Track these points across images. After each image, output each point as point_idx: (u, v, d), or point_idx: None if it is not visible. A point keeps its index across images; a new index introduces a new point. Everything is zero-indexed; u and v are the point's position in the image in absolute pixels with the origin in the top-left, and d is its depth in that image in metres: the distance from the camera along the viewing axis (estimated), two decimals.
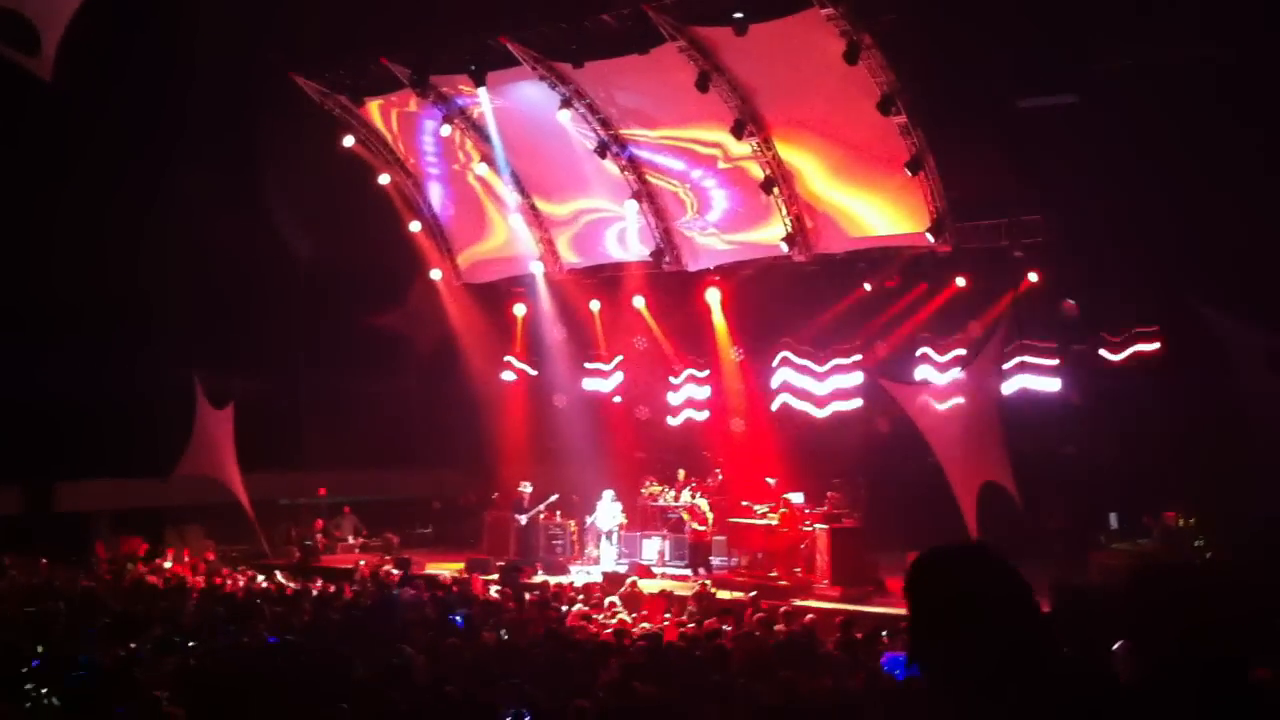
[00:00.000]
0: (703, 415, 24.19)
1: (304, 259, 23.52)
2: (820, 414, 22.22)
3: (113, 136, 20.62)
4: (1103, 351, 19.57)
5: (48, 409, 21.35)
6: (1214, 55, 16.06)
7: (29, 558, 19.74)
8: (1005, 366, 19.41)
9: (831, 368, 22.25)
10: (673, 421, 24.48)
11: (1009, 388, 19.54)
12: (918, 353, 21.10)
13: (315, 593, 17.62)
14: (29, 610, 14.82)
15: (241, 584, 18.95)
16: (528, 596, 17.06)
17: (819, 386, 22.39)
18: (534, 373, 26.15)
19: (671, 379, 24.53)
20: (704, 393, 24.24)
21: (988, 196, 19.70)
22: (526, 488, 22.50)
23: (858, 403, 21.86)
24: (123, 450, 21.67)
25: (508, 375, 26.26)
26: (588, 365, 25.53)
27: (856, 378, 21.92)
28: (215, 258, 22.21)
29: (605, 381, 25.35)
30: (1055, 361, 19.84)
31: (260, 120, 21.94)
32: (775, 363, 22.94)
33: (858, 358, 21.96)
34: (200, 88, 20.18)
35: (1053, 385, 19.84)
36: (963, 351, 20.35)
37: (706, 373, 24.19)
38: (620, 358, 25.28)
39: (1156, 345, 19.06)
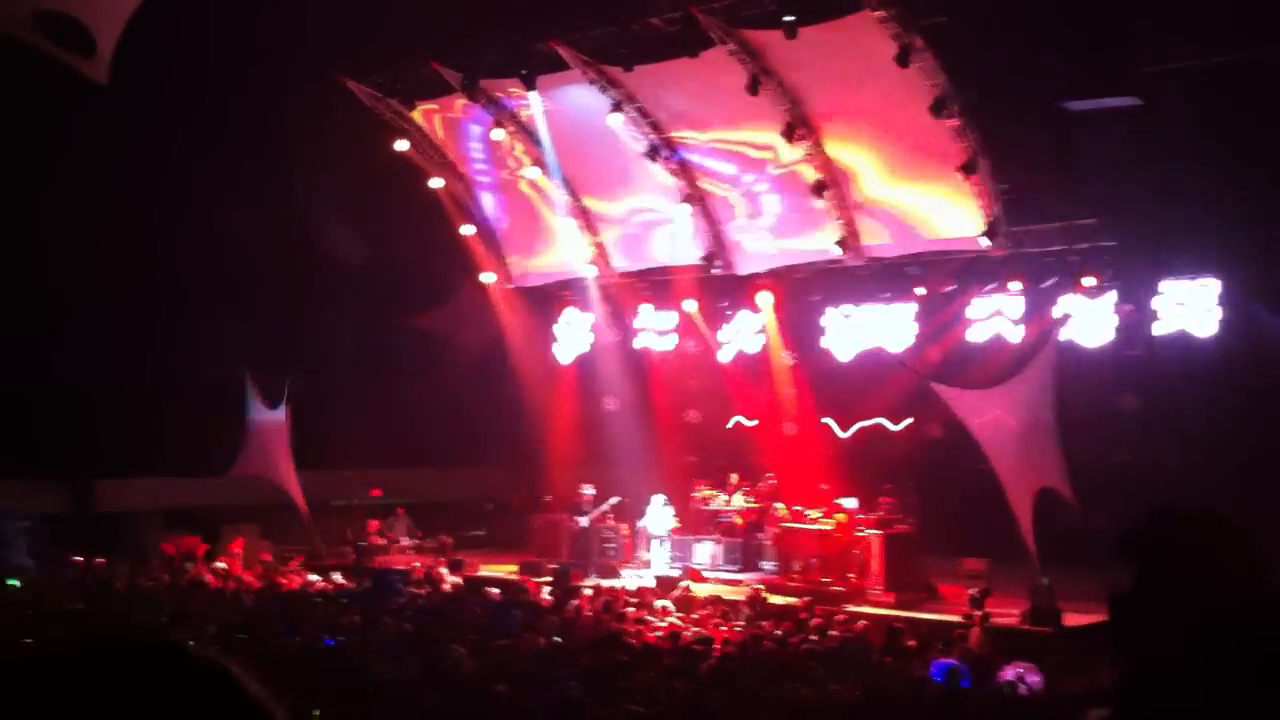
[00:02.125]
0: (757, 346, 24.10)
1: (356, 260, 23.67)
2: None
3: (166, 136, 20.86)
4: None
5: (98, 407, 21.60)
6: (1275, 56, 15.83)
7: (87, 556, 19.98)
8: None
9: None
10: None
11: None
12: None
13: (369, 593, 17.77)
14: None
15: (298, 584, 19.14)
16: (580, 599, 17.09)
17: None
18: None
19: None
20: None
21: (1043, 199, 19.55)
22: (588, 490, 22.50)
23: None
24: (176, 449, 21.91)
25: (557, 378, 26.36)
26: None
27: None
28: (267, 258, 22.39)
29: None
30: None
31: (312, 122, 22.10)
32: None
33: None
34: (253, 89, 20.38)
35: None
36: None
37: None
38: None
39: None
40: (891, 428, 22.17)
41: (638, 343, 25.49)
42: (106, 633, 1.59)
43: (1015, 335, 20.62)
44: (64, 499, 22.79)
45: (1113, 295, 19.66)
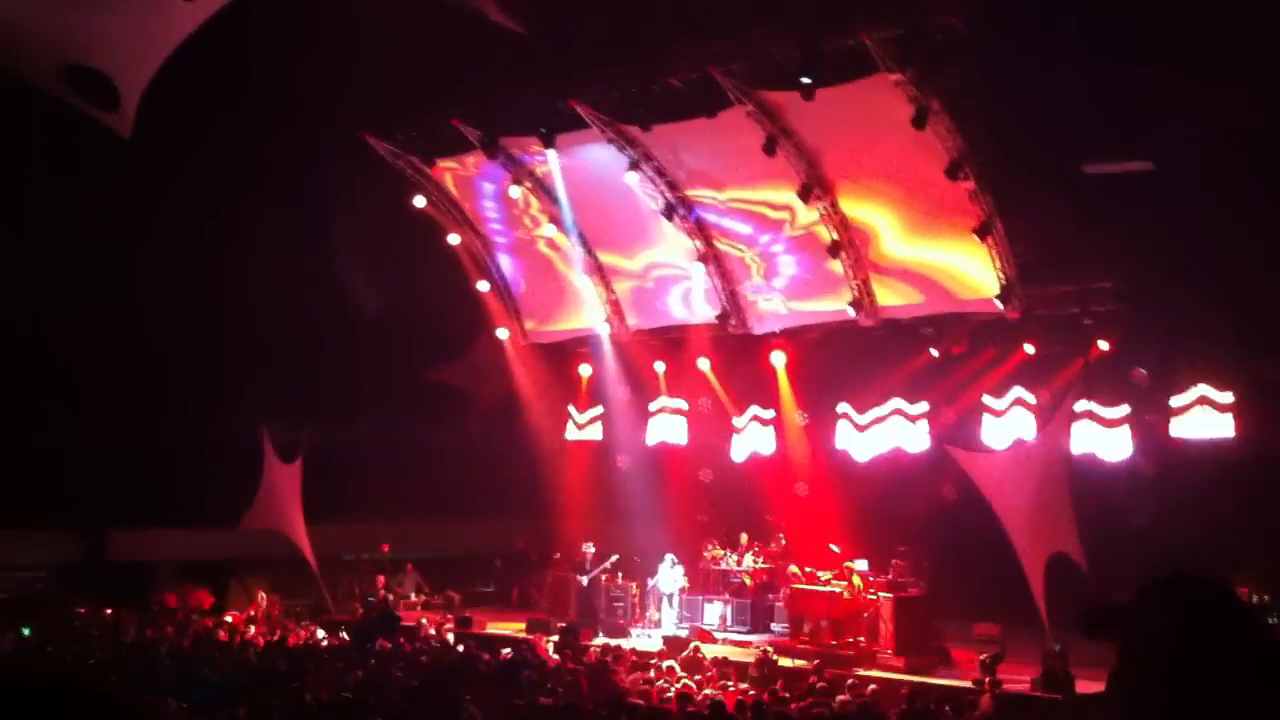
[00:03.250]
0: (767, 450, 24.04)
1: (370, 312, 23.74)
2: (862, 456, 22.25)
3: (182, 189, 21.03)
4: (1174, 422, 19.26)
5: (110, 456, 21.62)
6: None
7: (96, 606, 19.95)
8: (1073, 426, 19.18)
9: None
10: (737, 459, 24.39)
11: (1077, 448, 19.30)
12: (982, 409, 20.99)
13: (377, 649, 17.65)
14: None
15: (303, 638, 19.05)
16: (587, 659, 16.96)
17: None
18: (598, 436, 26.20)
19: (735, 421, 24.42)
20: (768, 437, 24.09)
21: (1057, 262, 19.52)
22: (589, 548, 22.43)
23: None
24: (186, 500, 21.90)
25: (571, 434, 26.34)
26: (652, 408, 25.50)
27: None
28: (281, 309, 22.48)
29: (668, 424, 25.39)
30: (1122, 424, 19.58)
31: (330, 176, 22.27)
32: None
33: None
34: (270, 142, 20.55)
35: (1121, 450, 19.59)
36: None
37: (771, 413, 24.02)
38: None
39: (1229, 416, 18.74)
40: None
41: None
42: (26, 679, 1.61)
43: (1029, 399, 20.56)
44: (76, 548, 22.79)
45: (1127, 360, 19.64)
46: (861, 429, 22.60)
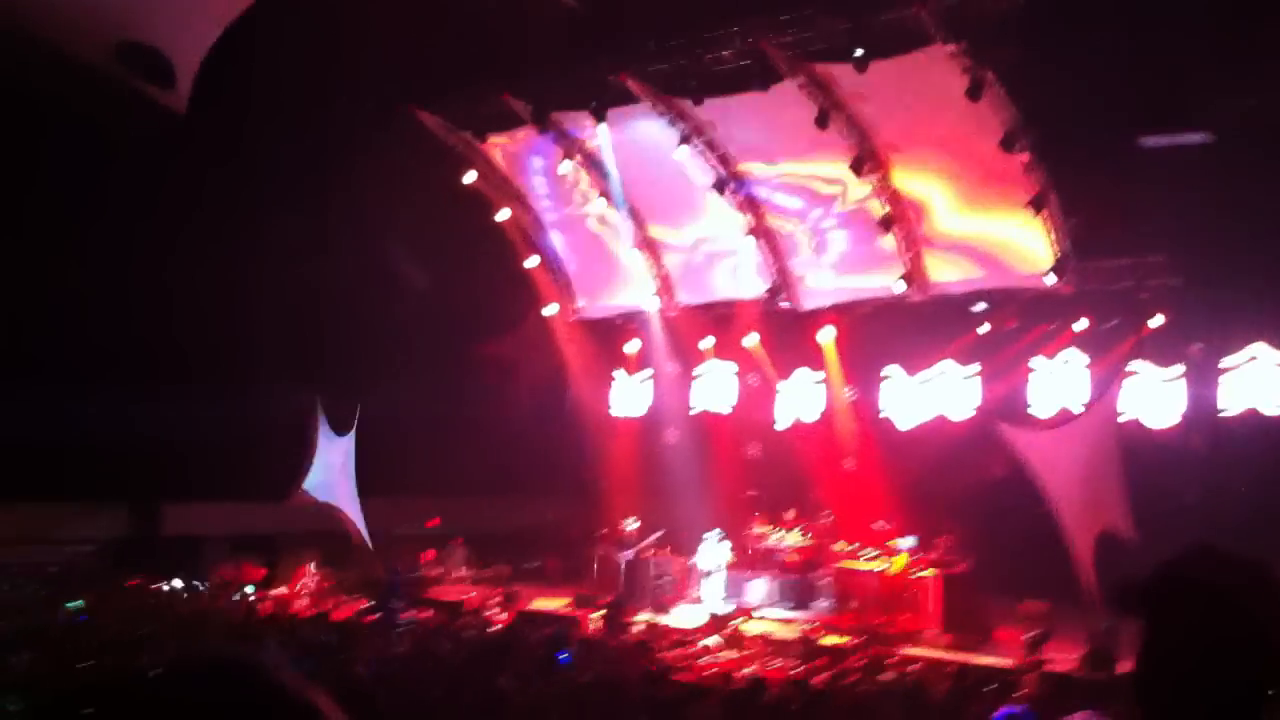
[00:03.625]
0: (811, 417, 24.03)
1: (421, 289, 23.78)
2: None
3: (237, 168, 21.13)
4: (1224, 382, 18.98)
5: (160, 430, 21.80)
6: None
7: (148, 580, 20.19)
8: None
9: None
10: (781, 426, 24.40)
11: (1127, 415, 19.09)
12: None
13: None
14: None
15: (352, 611, 19.19)
16: (630, 635, 16.96)
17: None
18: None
19: (780, 385, 24.45)
20: (815, 400, 24.08)
21: (1112, 236, 19.22)
22: (633, 524, 22.40)
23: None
24: (242, 474, 22.07)
25: (618, 410, 26.37)
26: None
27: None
28: (333, 285, 22.58)
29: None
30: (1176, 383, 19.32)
31: (383, 153, 22.30)
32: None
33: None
34: (320, 120, 20.60)
35: (1173, 416, 19.33)
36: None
37: (821, 374, 24.01)
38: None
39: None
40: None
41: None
42: (199, 657, 1.63)
43: (1081, 374, 20.30)
44: (126, 522, 23.05)
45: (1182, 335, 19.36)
46: (907, 392, 22.56)
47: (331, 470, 22.79)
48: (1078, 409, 18.88)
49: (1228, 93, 16.46)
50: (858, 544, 20.53)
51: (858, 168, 20.25)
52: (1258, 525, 16.76)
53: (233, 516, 23.36)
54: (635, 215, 24.32)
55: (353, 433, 22.65)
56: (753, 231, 22.85)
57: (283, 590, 20.87)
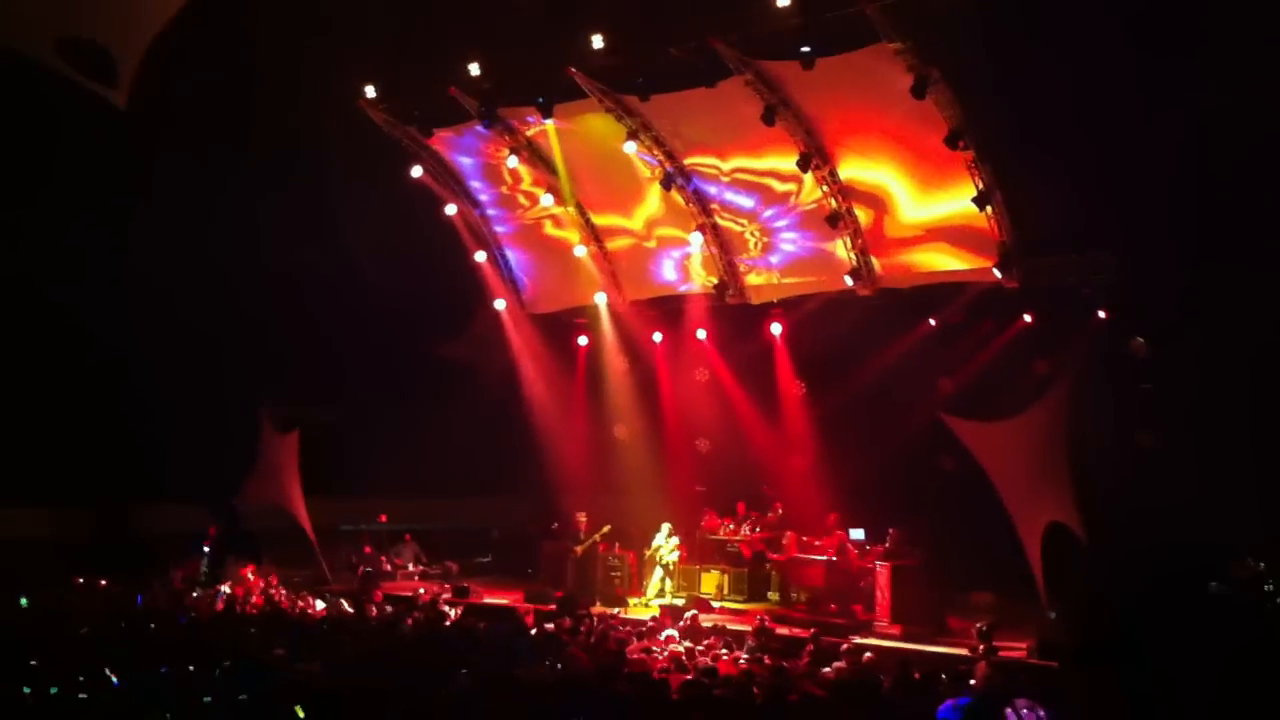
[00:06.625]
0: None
1: (368, 286, 23.65)
2: None
3: (180, 163, 20.93)
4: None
5: (116, 433, 21.61)
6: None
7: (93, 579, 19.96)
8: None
9: None
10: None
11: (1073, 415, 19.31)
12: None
13: (374, 620, 17.65)
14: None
15: (300, 609, 19.04)
16: (584, 629, 16.96)
17: None
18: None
19: None
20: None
21: (1056, 232, 19.46)
22: (583, 518, 22.43)
23: None
24: (188, 476, 21.88)
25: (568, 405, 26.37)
26: None
27: None
28: (281, 284, 22.41)
29: None
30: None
31: (328, 148, 22.13)
32: None
33: None
34: (266, 114, 20.44)
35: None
36: None
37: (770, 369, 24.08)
38: None
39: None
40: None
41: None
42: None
43: (1028, 368, 20.53)
44: (77, 523, 22.82)
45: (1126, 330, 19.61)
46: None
47: (277, 470, 22.69)
48: (1025, 403, 19.08)
49: (1174, 89, 16.73)
50: (808, 537, 20.66)
51: (804, 164, 20.35)
52: (1201, 518, 17.12)
53: (184, 517, 23.18)
54: (583, 210, 24.32)
55: (296, 431, 22.55)
56: (700, 227, 22.90)
57: (229, 589, 20.66)
